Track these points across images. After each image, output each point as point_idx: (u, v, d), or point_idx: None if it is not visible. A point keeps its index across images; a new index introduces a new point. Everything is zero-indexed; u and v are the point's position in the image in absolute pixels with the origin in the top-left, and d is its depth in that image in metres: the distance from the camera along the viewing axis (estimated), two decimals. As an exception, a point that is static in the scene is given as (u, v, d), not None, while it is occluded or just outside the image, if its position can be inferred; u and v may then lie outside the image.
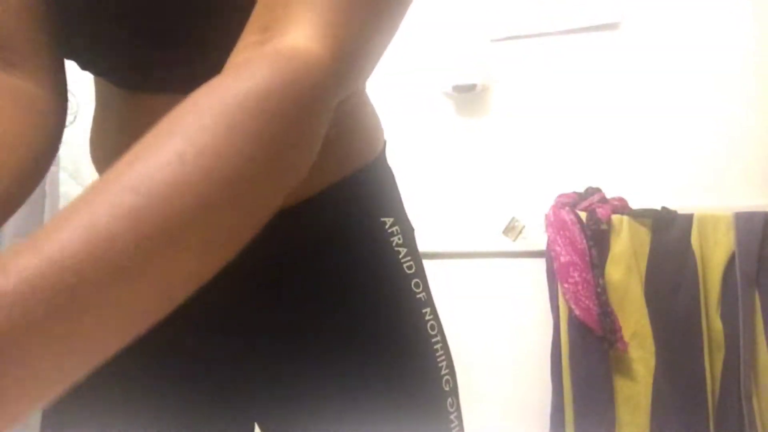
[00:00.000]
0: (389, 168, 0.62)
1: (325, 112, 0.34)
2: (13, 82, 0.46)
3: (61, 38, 0.49)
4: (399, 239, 0.57)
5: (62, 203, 1.60)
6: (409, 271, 0.56)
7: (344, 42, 0.35)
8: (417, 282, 0.57)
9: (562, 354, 1.61)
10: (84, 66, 0.52)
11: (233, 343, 0.55)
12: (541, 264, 1.71)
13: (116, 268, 0.25)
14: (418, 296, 0.56)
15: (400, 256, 0.56)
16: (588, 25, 1.76)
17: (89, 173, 1.59)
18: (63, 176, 1.61)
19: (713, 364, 1.55)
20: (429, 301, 0.57)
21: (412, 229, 0.60)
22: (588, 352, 1.57)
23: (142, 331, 0.27)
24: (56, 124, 0.50)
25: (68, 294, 0.24)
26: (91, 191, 0.27)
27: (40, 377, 0.24)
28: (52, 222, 0.26)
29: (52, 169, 1.61)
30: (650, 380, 1.55)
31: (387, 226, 0.57)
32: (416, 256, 0.58)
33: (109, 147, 0.56)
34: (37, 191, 1.68)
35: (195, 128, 0.28)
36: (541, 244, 1.71)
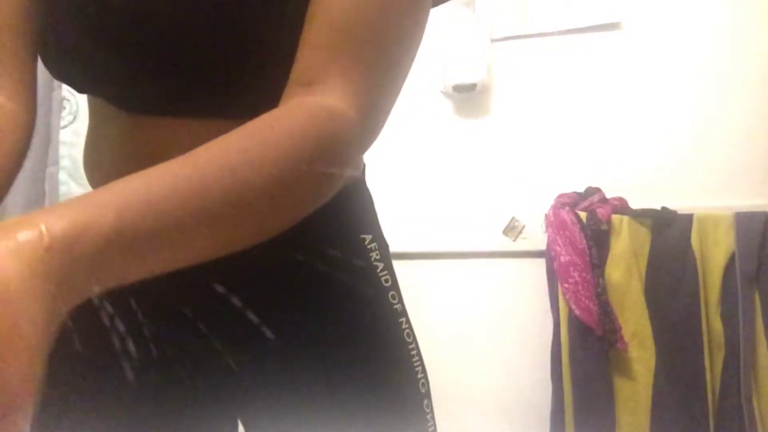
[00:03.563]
0: (368, 189, 0.67)
1: (349, 160, 0.45)
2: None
3: (57, 64, 0.52)
4: (377, 255, 0.62)
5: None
6: (386, 284, 0.61)
7: (369, 107, 0.47)
8: (393, 294, 0.62)
9: (562, 354, 1.61)
10: (81, 90, 0.53)
11: (220, 343, 0.56)
12: (541, 264, 1.71)
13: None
14: (394, 307, 0.61)
15: (378, 270, 0.61)
16: (589, 25, 1.77)
17: (89, 173, 1.58)
18: (63, 176, 1.60)
19: (713, 364, 1.55)
20: (404, 312, 0.62)
21: (387, 246, 0.65)
22: (588, 352, 1.57)
23: (200, 258, 0.36)
24: (27, 137, 0.54)
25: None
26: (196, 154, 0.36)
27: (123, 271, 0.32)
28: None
29: (52, 169, 1.61)
30: (650, 380, 1.55)
31: (366, 243, 0.62)
32: (391, 271, 0.63)
33: (107, 168, 0.58)
34: (37, 191, 1.68)
35: (264, 139, 0.39)
36: (541, 244, 1.71)
